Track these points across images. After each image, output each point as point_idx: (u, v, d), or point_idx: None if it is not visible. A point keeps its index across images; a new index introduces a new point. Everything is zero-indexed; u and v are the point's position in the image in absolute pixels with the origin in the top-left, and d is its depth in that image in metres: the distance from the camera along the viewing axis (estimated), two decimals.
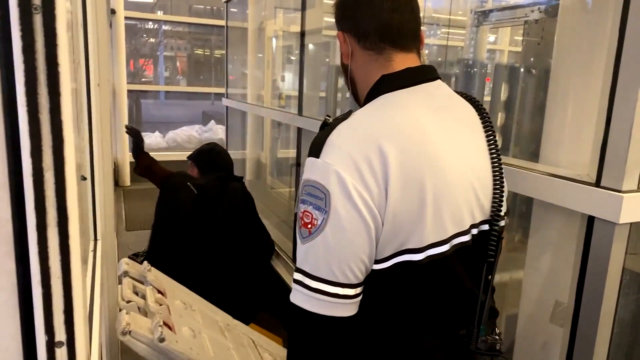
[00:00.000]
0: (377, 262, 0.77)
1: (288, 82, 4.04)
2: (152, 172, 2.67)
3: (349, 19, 0.88)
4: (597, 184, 1.04)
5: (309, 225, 0.75)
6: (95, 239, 1.36)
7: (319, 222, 0.73)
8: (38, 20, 0.44)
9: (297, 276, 0.76)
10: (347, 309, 0.76)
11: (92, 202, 1.32)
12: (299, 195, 0.78)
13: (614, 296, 1.08)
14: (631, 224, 1.03)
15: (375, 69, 0.87)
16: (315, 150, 0.76)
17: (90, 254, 1.24)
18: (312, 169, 0.76)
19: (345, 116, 0.80)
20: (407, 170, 0.74)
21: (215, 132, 7.41)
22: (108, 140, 1.51)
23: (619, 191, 0.99)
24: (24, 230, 0.48)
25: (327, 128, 0.79)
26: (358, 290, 0.77)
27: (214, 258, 2.54)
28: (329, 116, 0.88)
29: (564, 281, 1.23)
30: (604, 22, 1.16)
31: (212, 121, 7.65)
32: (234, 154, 5.12)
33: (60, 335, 0.50)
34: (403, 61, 0.86)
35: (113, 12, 5.53)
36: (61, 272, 0.49)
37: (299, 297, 0.76)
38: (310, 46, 3.18)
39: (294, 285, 0.77)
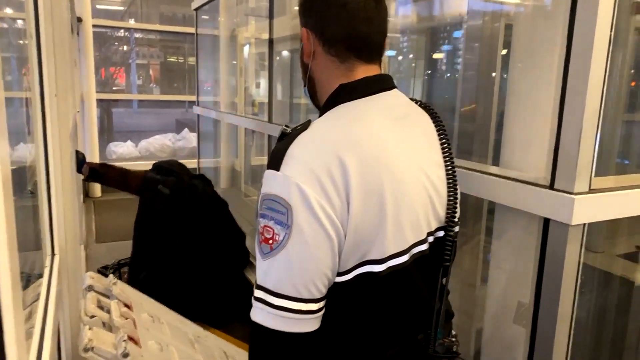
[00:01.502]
0: (339, 274, 0.76)
1: (262, 88, 4.04)
2: (118, 181, 2.66)
3: (316, 19, 0.86)
4: (551, 186, 1.07)
5: (270, 241, 0.72)
6: (53, 254, 1.32)
7: (281, 238, 0.71)
8: None
9: (259, 294, 0.74)
10: (311, 324, 0.75)
11: (49, 216, 1.28)
12: (258, 209, 0.76)
13: (570, 295, 1.11)
14: (585, 224, 1.06)
15: (336, 77, 0.86)
16: (275, 162, 0.74)
17: (46, 270, 1.21)
18: (272, 182, 0.74)
19: (305, 126, 0.78)
20: (367, 182, 0.73)
21: (189, 140, 7.32)
22: (68, 151, 1.48)
23: (571, 193, 1.02)
24: None
25: (286, 139, 0.77)
26: (321, 304, 0.75)
27: (193, 253, 2.62)
28: (287, 126, 0.87)
29: (525, 282, 1.25)
30: (556, 28, 1.19)
31: (186, 129, 7.56)
32: (207, 162, 5.08)
33: None
34: (365, 72, 0.86)
35: (79, 20, 5.42)
36: None
37: (260, 316, 0.73)
38: (284, 53, 3.18)
39: (254, 303, 0.74)
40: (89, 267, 3.42)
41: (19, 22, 1.33)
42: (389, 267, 0.77)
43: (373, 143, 0.77)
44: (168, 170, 2.81)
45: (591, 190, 1.05)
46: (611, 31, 1.00)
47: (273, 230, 0.72)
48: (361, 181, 0.73)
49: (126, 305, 1.72)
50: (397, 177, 0.77)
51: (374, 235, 0.75)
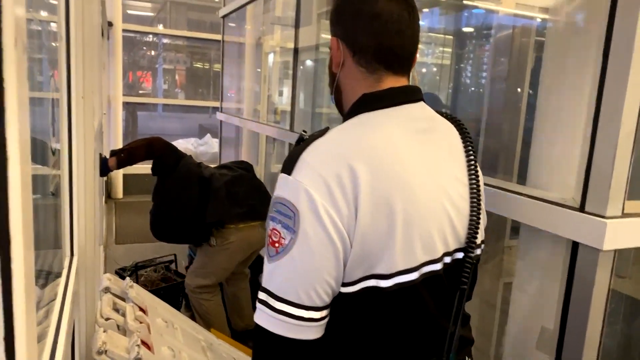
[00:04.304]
0: (345, 285, 0.75)
1: (285, 96, 4.05)
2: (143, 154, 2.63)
3: (348, 29, 0.84)
4: (582, 209, 1.03)
5: (276, 244, 0.72)
6: (72, 254, 1.32)
7: (287, 242, 0.71)
8: None
9: (262, 296, 0.74)
10: (312, 332, 0.74)
11: (70, 217, 1.30)
12: (269, 211, 0.76)
13: (599, 323, 1.06)
14: (616, 250, 1.02)
15: (363, 87, 0.84)
16: (288, 166, 0.74)
17: (64, 271, 1.21)
18: (283, 186, 0.74)
19: (321, 133, 0.78)
20: (377, 192, 0.72)
21: (211, 145, 7.39)
22: (92, 152, 1.49)
23: (603, 217, 0.98)
24: None
25: (301, 144, 0.77)
26: (324, 313, 0.74)
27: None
28: (305, 131, 0.86)
29: (550, 307, 1.20)
30: (590, 45, 1.15)
31: (208, 134, 7.64)
32: None
33: None
34: (392, 83, 0.84)
35: (110, 24, 5.56)
36: (2, 299, 0.46)
37: (263, 318, 0.73)
38: (308, 62, 3.19)
39: (258, 305, 0.74)
40: (107, 268, 3.47)
41: (52, 24, 1.36)
42: (396, 284, 0.74)
43: (388, 154, 0.76)
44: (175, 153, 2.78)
45: (624, 215, 1.00)
46: None
47: (280, 233, 0.72)
48: (371, 191, 0.71)
49: (141, 309, 1.73)
50: (410, 191, 0.75)
51: (381, 248, 0.73)
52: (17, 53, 0.45)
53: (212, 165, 2.99)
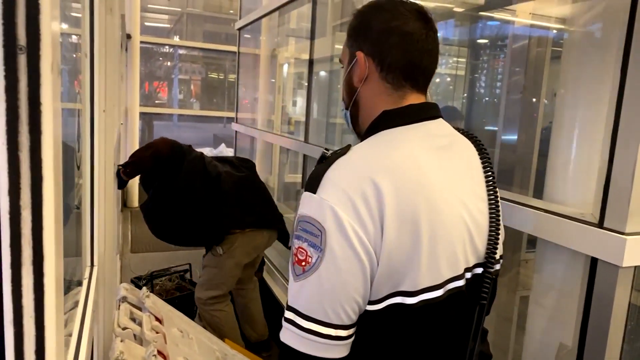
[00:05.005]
0: (371, 302, 0.75)
1: (299, 107, 4.08)
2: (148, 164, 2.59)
3: (376, 44, 0.84)
4: (600, 224, 1.02)
5: (303, 263, 0.73)
6: (92, 265, 1.35)
7: (314, 261, 0.71)
8: (22, 60, 0.44)
9: (289, 315, 0.74)
10: (340, 351, 0.74)
11: (91, 228, 1.32)
12: (294, 230, 0.76)
13: (619, 340, 1.04)
14: (636, 267, 1.00)
15: (384, 103, 0.85)
16: (312, 185, 0.75)
17: (85, 281, 1.24)
18: (308, 204, 0.74)
19: (344, 151, 0.79)
20: (402, 208, 0.72)
21: (225, 154, 7.47)
22: (111, 165, 1.53)
23: (623, 233, 0.97)
24: (0, 267, 0.47)
25: (324, 162, 0.77)
26: (351, 331, 0.74)
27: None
28: (327, 150, 0.87)
29: (568, 323, 1.19)
30: (609, 56, 1.15)
31: (223, 144, 7.72)
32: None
33: None
34: (414, 100, 0.85)
35: (129, 36, 5.67)
36: (34, 311, 0.48)
37: (290, 337, 0.74)
38: (322, 73, 3.22)
39: (284, 324, 0.75)
40: (123, 277, 3.50)
41: (74, 37, 1.40)
42: (422, 301, 0.74)
43: (411, 170, 0.76)
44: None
45: None
46: None
47: (307, 252, 0.72)
48: (396, 207, 0.72)
49: (157, 319, 1.75)
50: (434, 207, 0.75)
51: (407, 265, 0.73)
52: (52, 76, 0.47)
53: (211, 155, 2.89)
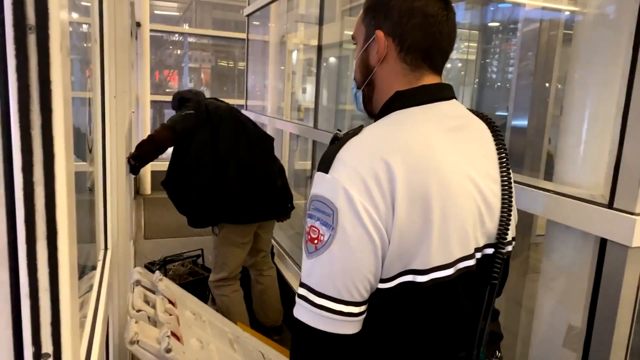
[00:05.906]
0: (382, 281, 0.76)
1: (308, 94, 4.07)
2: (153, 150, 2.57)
3: (397, 24, 0.83)
4: (610, 205, 1.01)
5: (315, 241, 0.74)
6: (106, 248, 1.38)
7: (326, 239, 0.73)
8: (32, 39, 0.45)
9: (302, 291, 0.76)
10: (351, 327, 0.75)
11: (104, 212, 1.35)
12: (307, 209, 0.78)
13: (628, 321, 1.04)
14: None
15: (400, 83, 0.85)
16: (325, 165, 0.76)
17: (99, 263, 1.26)
18: (320, 184, 0.75)
19: (356, 132, 0.79)
20: (413, 187, 0.73)
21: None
22: (123, 150, 1.55)
23: (632, 213, 0.96)
24: (17, 243, 0.49)
25: (337, 143, 0.78)
26: (362, 308, 0.76)
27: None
28: (340, 130, 0.87)
29: (577, 304, 1.19)
30: (620, 38, 1.13)
31: None
32: None
33: (46, 347, 0.50)
34: (430, 81, 0.85)
35: (138, 24, 5.68)
36: (49, 284, 0.50)
37: (302, 313, 0.76)
38: (331, 59, 3.20)
39: (297, 300, 0.77)
40: (137, 263, 3.56)
41: (84, 26, 1.41)
42: (432, 279, 0.75)
43: (423, 150, 0.76)
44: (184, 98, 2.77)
45: None
46: None
47: (319, 230, 0.74)
48: (407, 186, 0.72)
49: (170, 302, 1.78)
50: (445, 186, 0.75)
51: (418, 243, 0.74)
52: (62, 57, 0.48)
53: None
